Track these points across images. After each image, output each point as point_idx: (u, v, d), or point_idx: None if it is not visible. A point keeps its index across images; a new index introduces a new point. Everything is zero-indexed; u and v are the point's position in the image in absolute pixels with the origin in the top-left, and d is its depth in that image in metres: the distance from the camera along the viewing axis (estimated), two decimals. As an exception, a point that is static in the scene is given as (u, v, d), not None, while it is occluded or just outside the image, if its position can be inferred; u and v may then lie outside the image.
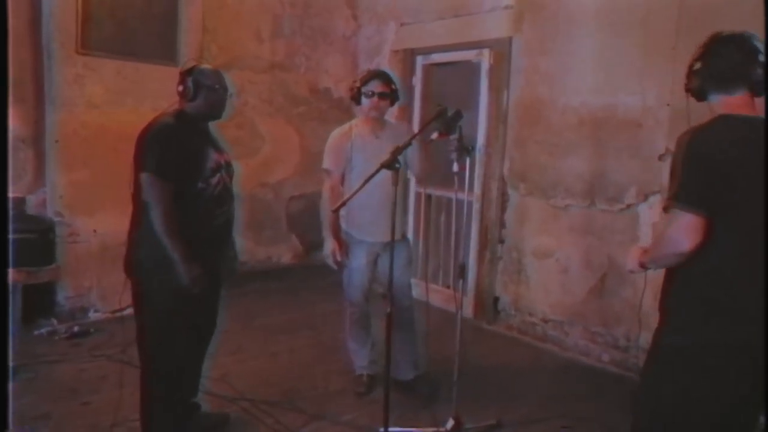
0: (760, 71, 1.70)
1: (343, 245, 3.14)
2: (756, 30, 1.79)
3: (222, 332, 2.83)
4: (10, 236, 3.06)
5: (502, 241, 4.46)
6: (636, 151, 3.63)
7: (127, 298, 2.42)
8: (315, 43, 5.49)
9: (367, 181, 2.34)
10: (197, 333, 2.57)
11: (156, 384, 2.43)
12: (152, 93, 4.12)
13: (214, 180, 2.45)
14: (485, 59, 4.46)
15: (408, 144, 2.48)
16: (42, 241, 3.85)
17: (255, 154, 5.15)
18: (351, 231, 3.17)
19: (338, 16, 5.61)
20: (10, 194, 3.51)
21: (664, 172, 3.48)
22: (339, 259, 3.12)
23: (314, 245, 5.09)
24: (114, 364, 3.38)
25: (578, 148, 3.94)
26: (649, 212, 3.58)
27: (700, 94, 1.81)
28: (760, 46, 1.71)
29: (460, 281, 2.93)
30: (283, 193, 5.43)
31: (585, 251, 3.93)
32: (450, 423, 2.75)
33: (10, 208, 3.25)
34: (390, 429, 2.40)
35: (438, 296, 4.51)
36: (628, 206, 3.69)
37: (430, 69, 5.06)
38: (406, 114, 5.00)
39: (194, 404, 2.79)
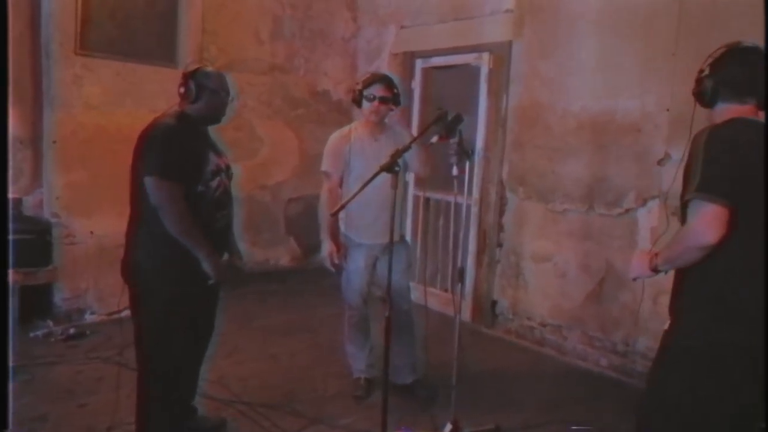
0: None
1: (341, 248, 3.13)
2: (756, 38, 1.80)
3: (219, 334, 2.82)
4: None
5: (500, 245, 4.46)
6: (635, 156, 3.63)
7: (125, 301, 2.41)
8: (314, 45, 5.49)
9: (366, 184, 2.33)
10: (194, 335, 2.56)
11: (153, 385, 2.42)
12: (151, 94, 4.12)
13: (214, 183, 2.43)
14: (485, 63, 4.46)
15: (407, 148, 2.48)
16: (39, 243, 3.84)
17: (253, 157, 5.15)
18: (349, 234, 3.16)
19: (338, 18, 5.61)
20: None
21: (663, 177, 3.48)
22: (337, 261, 3.11)
23: (312, 248, 5.09)
24: (111, 366, 3.37)
25: (577, 152, 3.94)
26: (648, 217, 3.58)
27: (710, 100, 1.81)
28: None
29: (459, 285, 2.93)
30: (282, 195, 5.42)
31: (583, 256, 3.93)
32: (448, 427, 2.74)
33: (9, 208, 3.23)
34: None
35: (436, 300, 4.50)
36: (627, 211, 3.69)
37: (429, 72, 5.06)
38: (405, 117, 5.00)
39: (191, 407, 2.77)
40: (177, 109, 2.45)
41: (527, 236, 4.29)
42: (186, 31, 4.48)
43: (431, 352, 3.32)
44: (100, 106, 4.12)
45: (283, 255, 5.50)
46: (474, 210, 4.55)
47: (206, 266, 2.34)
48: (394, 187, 2.33)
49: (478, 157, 4.48)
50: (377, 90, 3.04)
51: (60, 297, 4.07)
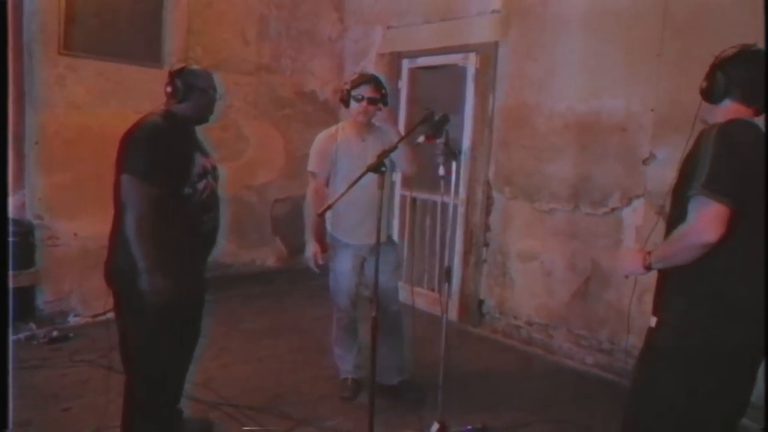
0: None
1: (326, 248, 3.12)
2: (740, 39, 1.83)
3: (206, 337, 2.79)
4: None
5: (487, 245, 4.48)
6: (620, 155, 3.66)
7: (110, 303, 2.38)
8: (301, 45, 5.47)
9: (353, 184, 2.32)
10: (179, 338, 2.52)
11: (138, 389, 2.39)
12: (136, 94, 4.08)
13: (201, 185, 2.38)
14: (471, 63, 4.47)
15: (394, 148, 2.47)
16: (21, 245, 3.79)
17: (239, 157, 5.11)
18: (336, 234, 3.15)
19: (325, 18, 5.60)
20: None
21: (647, 176, 3.51)
22: (321, 262, 3.10)
23: (299, 248, 5.04)
24: (95, 370, 3.33)
25: (563, 152, 3.96)
26: (633, 216, 3.61)
27: (719, 96, 1.81)
28: None
29: (446, 284, 2.93)
30: (268, 195, 5.40)
31: (569, 255, 3.95)
32: (435, 427, 2.74)
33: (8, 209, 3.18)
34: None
35: (423, 299, 4.49)
36: (612, 210, 3.72)
37: (416, 72, 5.07)
38: (392, 117, 4.98)
39: (177, 410, 2.74)
40: (164, 108, 2.40)
41: (514, 236, 4.30)
42: (171, 31, 4.45)
43: (418, 352, 3.33)
44: (83, 106, 4.07)
45: (269, 256, 5.48)
46: (461, 210, 4.56)
47: (142, 281, 2.19)
48: (381, 187, 2.32)
49: (464, 157, 4.49)
50: (366, 90, 3.03)
51: (43, 299, 4.02)
